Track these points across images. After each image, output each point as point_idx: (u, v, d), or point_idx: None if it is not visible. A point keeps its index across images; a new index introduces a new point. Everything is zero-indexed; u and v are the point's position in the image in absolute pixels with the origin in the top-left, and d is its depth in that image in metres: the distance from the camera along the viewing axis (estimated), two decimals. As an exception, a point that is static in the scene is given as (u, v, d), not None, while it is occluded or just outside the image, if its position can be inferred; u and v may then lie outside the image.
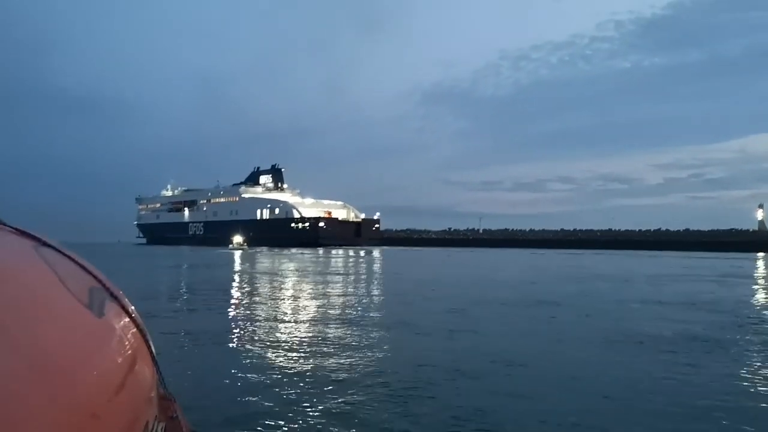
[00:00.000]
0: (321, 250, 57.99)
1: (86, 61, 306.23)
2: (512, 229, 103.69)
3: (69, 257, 1.40)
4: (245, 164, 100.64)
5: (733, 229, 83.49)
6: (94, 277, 1.41)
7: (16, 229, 1.36)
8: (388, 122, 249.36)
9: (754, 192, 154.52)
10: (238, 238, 71.13)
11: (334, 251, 55.66)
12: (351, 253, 52.96)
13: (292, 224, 78.46)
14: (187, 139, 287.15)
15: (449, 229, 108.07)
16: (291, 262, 33.07)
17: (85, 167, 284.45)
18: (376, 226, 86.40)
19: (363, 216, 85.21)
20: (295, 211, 79.69)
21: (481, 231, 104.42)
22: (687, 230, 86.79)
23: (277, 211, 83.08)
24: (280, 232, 77.86)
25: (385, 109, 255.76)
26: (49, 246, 1.36)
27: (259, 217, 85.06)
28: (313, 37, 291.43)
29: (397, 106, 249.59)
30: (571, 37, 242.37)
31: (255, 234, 78.90)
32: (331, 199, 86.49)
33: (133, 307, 1.48)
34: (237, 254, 47.89)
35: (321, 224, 77.23)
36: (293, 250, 56.88)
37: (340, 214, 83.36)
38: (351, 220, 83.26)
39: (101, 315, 1.23)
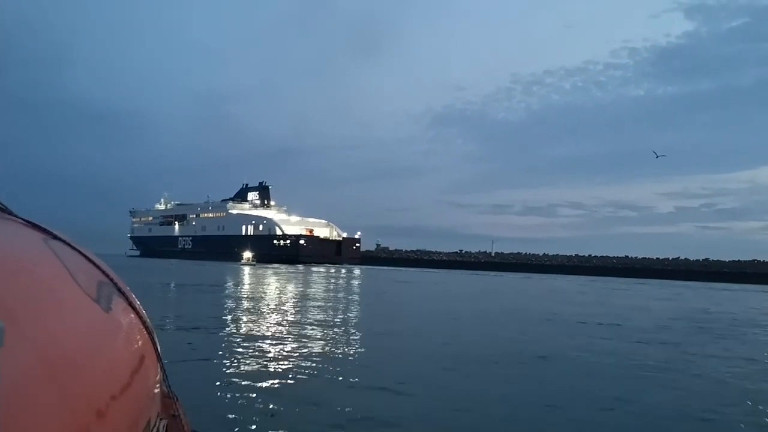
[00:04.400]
0: (301, 267, 60.32)
1: (93, 76, 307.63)
2: (525, 253, 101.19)
3: (78, 251, 1.37)
4: (243, 181, 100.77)
5: (755, 260, 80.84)
6: (103, 271, 1.38)
7: (26, 221, 1.34)
8: (397, 143, 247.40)
9: (766, 224, 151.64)
10: (247, 254, 72.85)
11: (314, 269, 57.01)
12: (321, 270, 54.16)
13: (274, 241, 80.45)
14: (186, 155, 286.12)
15: (460, 251, 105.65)
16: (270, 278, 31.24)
17: (85, 178, 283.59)
18: (357, 245, 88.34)
19: (345, 235, 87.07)
20: (277, 228, 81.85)
21: (493, 254, 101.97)
22: (707, 260, 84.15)
23: (261, 227, 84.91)
24: (263, 249, 79.99)
25: (394, 130, 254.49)
26: (59, 239, 1.34)
27: (244, 233, 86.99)
28: (315, 58, 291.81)
29: (407, 128, 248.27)
30: (584, 63, 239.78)
31: (240, 249, 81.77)
32: (317, 218, 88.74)
33: (139, 303, 1.45)
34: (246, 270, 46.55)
35: (302, 242, 79.32)
36: (278, 266, 59.47)
37: (323, 232, 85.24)
38: (332, 238, 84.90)
39: (109, 310, 1.21)
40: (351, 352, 8.80)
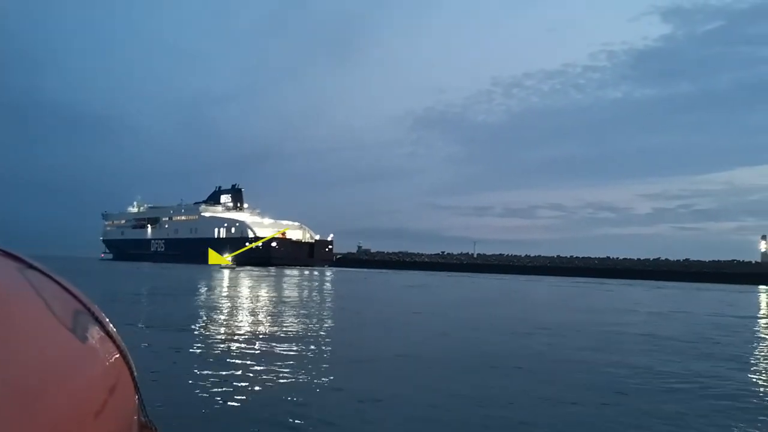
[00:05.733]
0: (273, 269, 61.12)
1: (69, 80, 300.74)
2: (507, 255, 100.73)
3: (55, 280, 1.36)
4: (217, 184, 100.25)
5: (734, 260, 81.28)
6: (79, 300, 1.37)
7: (1, 250, 1.32)
8: (378, 146, 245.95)
9: (741, 224, 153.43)
10: (227, 257, 73.49)
11: (288, 271, 57.31)
12: (295, 272, 54.26)
13: (247, 243, 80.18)
14: (162, 158, 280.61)
15: (442, 252, 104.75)
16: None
17: (58, 182, 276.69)
18: (330, 247, 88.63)
19: (318, 237, 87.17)
20: (250, 231, 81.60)
21: (475, 255, 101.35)
22: (687, 260, 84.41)
23: (233, 230, 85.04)
24: (235, 251, 79.49)
25: (375, 132, 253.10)
26: (35, 269, 1.34)
27: (216, 236, 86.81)
28: (294, 61, 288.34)
29: (388, 130, 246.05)
30: (563, 65, 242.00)
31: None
32: (293, 220, 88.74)
33: (116, 332, 1.43)
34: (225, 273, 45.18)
35: (273, 244, 79.29)
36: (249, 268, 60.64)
37: (296, 234, 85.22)
38: (305, 240, 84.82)
39: (85, 339, 1.22)
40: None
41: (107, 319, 1.46)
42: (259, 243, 79.69)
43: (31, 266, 1.33)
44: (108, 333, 1.39)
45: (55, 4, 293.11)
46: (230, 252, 78.43)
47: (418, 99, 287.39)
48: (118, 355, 1.36)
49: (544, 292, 34.13)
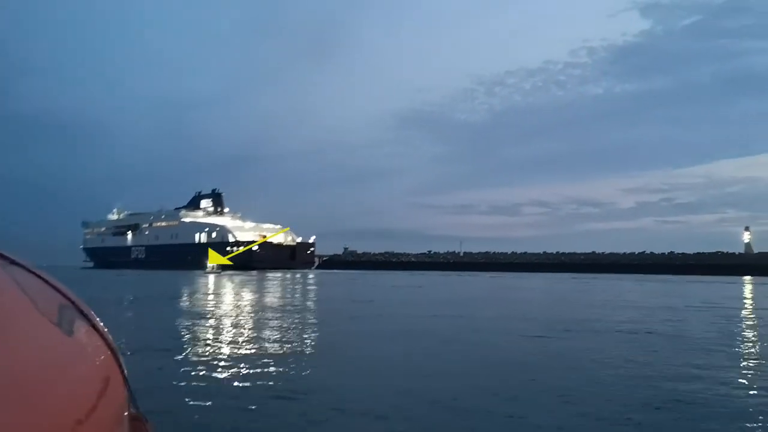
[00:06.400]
0: (254, 273, 60.64)
1: (46, 87, 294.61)
2: (494, 252, 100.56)
3: (39, 276, 1.33)
4: (197, 189, 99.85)
5: (718, 252, 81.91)
6: (64, 295, 1.34)
7: None
8: (362, 147, 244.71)
9: (722, 216, 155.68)
10: (213, 265, 73.77)
11: (270, 274, 56.78)
12: (278, 275, 54.63)
13: (228, 248, 79.74)
14: (143, 164, 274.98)
15: (429, 252, 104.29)
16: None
17: (37, 190, 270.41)
18: (311, 249, 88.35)
19: (299, 239, 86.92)
20: (230, 235, 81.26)
21: (462, 254, 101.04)
22: (672, 253, 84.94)
23: (214, 234, 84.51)
24: (220, 255, 79.09)
25: (358, 133, 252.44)
26: (18, 265, 1.31)
27: (197, 241, 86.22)
28: (274, 64, 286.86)
29: (371, 131, 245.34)
30: (544, 63, 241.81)
31: (193, 258, 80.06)
32: (276, 223, 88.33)
33: (103, 326, 1.39)
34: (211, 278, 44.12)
35: (254, 248, 78.88)
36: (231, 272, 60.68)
37: (277, 237, 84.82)
38: (286, 243, 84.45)
39: (71, 333, 1.21)
40: None
41: (93, 313, 1.42)
42: (244, 249, 79.17)
43: (14, 262, 1.29)
44: (95, 327, 1.36)
45: (31, 8, 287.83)
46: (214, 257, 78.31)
47: (400, 99, 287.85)
48: (106, 349, 1.33)
49: (546, 290, 33.61)
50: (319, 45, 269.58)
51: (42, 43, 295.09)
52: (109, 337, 1.39)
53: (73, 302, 1.35)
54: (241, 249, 79.27)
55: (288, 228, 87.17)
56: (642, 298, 24.79)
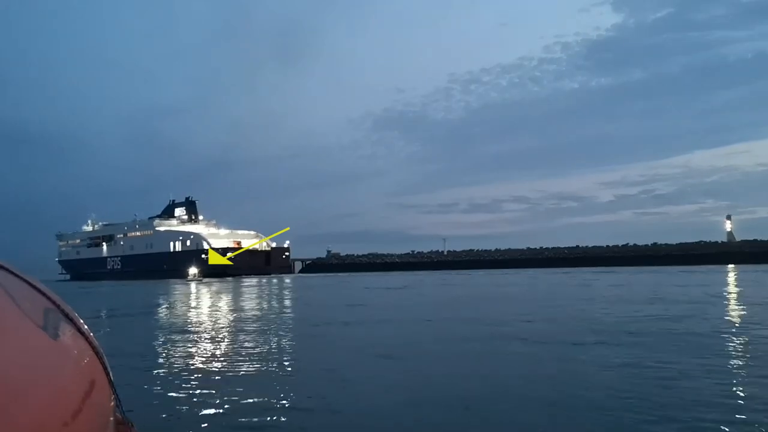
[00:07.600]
0: (230, 279, 60.61)
1: (15, 99, 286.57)
2: (477, 250, 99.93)
3: (23, 279, 1.35)
4: (175, 198, 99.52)
5: (701, 241, 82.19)
6: (49, 298, 1.36)
7: None
8: (339, 149, 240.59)
9: (701, 206, 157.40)
10: (193, 270, 73.07)
11: (246, 281, 56.26)
12: (253, 281, 53.71)
13: (203, 255, 79.15)
14: (116, 175, 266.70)
15: (413, 251, 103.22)
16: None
17: (8, 203, 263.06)
18: (286, 254, 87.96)
19: (274, 245, 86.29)
20: (205, 243, 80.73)
21: (446, 252, 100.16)
22: (655, 244, 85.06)
23: (188, 243, 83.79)
24: (191, 264, 78.94)
25: (335, 136, 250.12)
26: (2, 268, 1.33)
27: (172, 249, 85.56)
28: (245, 70, 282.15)
29: (348, 133, 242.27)
30: (519, 59, 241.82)
31: (169, 266, 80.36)
32: (251, 229, 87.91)
33: (88, 329, 1.40)
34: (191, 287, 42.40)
35: (229, 255, 78.55)
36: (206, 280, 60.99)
37: (252, 243, 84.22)
38: (261, 249, 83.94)
39: (56, 337, 1.21)
40: None
41: (78, 317, 1.39)
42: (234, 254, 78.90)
43: None
44: (80, 330, 1.35)
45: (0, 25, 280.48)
46: (189, 266, 78.14)
47: (376, 100, 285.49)
48: (91, 353, 1.32)
49: (548, 285, 32.60)
50: (291, 49, 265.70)
51: (8, 54, 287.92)
52: (95, 341, 1.37)
53: (58, 306, 1.33)
54: (230, 255, 78.78)
55: (268, 238, 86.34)
56: (667, 291, 23.66)
